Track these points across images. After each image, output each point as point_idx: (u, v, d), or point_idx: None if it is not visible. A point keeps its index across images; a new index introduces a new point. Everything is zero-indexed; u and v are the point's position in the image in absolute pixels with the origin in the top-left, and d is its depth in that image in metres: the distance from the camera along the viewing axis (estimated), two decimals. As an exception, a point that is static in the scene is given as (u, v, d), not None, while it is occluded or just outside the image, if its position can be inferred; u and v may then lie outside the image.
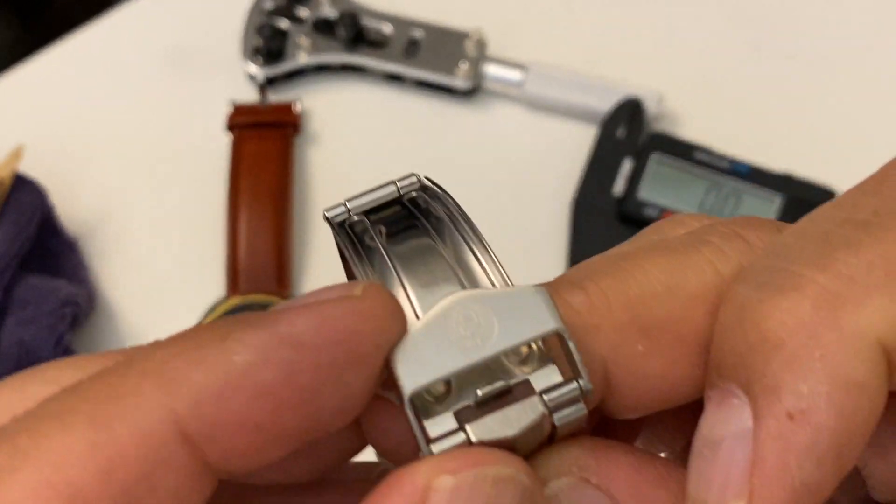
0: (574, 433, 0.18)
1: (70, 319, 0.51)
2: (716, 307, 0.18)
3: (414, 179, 0.20)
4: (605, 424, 0.20)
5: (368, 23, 0.61)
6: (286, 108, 0.60)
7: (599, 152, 0.57)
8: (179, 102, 0.62)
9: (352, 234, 0.20)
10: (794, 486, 0.16)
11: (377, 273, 0.19)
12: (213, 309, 0.56)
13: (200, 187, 0.59)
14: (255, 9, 0.62)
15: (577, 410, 0.18)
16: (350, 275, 0.20)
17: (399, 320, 0.17)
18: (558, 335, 0.18)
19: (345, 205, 0.20)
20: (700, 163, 0.56)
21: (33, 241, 0.53)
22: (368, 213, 0.20)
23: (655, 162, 0.56)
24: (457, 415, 0.18)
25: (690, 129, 0.60)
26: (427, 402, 0.18)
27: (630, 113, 0.58)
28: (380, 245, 0.19)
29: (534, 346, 0.19)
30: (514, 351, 0.18)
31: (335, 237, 0.20)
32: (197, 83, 0.62)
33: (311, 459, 0.20)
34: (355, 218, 0.20)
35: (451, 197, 0.20)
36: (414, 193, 0.20)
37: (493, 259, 0.19)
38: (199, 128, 0.61)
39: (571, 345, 0.18)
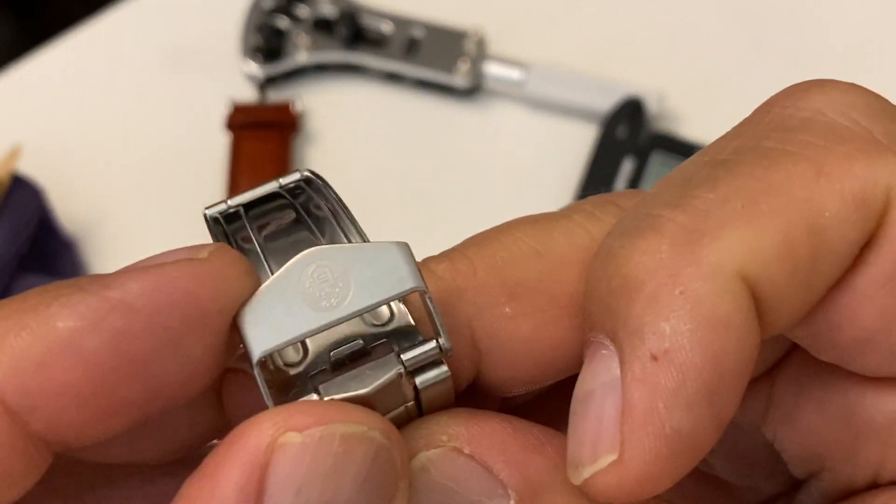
0: (444, 405, 0.18)
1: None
2: (585, 269, 0.18)
3: (297, 175, 0.19)
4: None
5: (368, 21, 0.61)
6: (285, 108, 0.59)
7: (600, 152, 0.57)
8: (178, 101, 0.62)
9: (227, 229, 0.19)
10: (665, 433, 0.15)
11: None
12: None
13: (199, 187, 0.59)
14: (255, 8, 0.61)
15: (440, 374, 0.17)
16: None
17: (249, 284, 0.16)
18: (420, 295, 0.17)
19: (225, 202, 0.19)
20: (701, 162, 0.56)
21: (31, 241, 0.52)
22: (250, 208, 0.19)
23: (656, 161, 0.56)
24: (311, 379, 0.17)
25: (692, 129, 0.60)
26: (280, 369, 0.17)
27: (631, 112, 0.57)
28: (254, 239, 0.18)
29: (394, 307, 0.18)
30: (374, 313, 0.17)
31: (210, 233, 0.19)
32: (195, 82, 0.62)
33: (165, 437, 0.18)
34: (232, 213, 0.19)
35: (332, 190, 0.19)
36: (297, 186, 0.19)
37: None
38: (198, 127, 0.61)
39: (430, 303, 0.17)
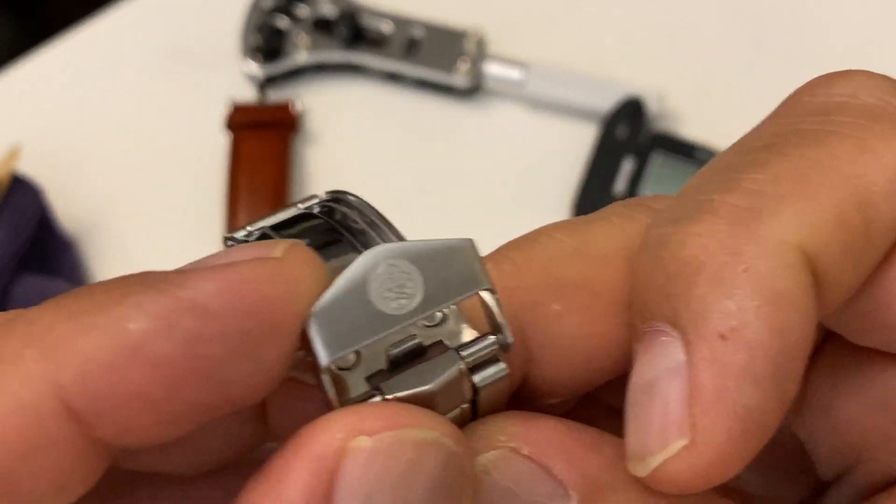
0: (497, 407, 0.17)
1: (67, 320, 0.51)
2: (627, 265, 0.18)
3: (316, 199, 0.18)
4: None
5: (368, 21, 0.61)
6: (285, 108, 0.59)
7: (600, 151, 0.57)
8: (177, 101, 0.62)
9: None
10: (736, 413, 0.15)
11: None
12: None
13: (199, 186, 0.59)
14: (254, 7, 0.61)
15: (499, 371, 0.17)
16: None
17: (322, 285, 0.15)
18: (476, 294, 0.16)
19: (245, 228, 0.17)
20: (701, 162, 0.56)
21: (31, 241, 0.52)
22: (278, 228, 0.18)
23: (656, 161, 0.56)
24: (369, 379, 0.16)
25: (692, 128, 0.59)
26: (335, 372, 0.16)
27: (631, 112, 0.57)
28: None
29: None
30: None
31: None
32: (195, 82, 0.62)
33: (203, 446, 0.18)
34: (263, 235, 0.18)
35: (369, 204, 0.18)
36: (329, 206, 0.18)
37: None
38: (198, 127, 0.60)
39: (496, 300, 0.16)
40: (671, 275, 0.16)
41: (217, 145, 0.59)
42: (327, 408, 0.16)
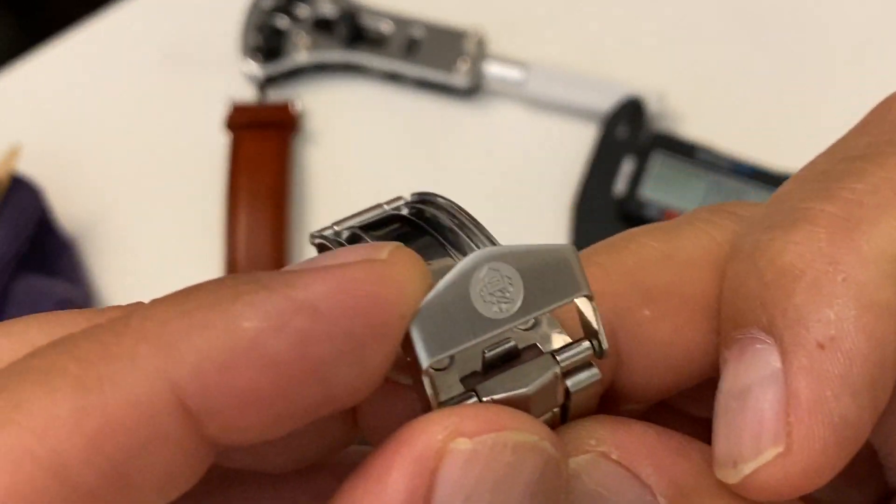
0: (587, 411, 0.17)
1: (67, 320, 0.51)
2: (716, 272, 0.18)
3: (402, 201, 0.18)
4: None
5: (368, 21, 0.61)
6: (285, 108, 0.59)
7: (600, 151, 0.57)
8: (177, 101, 0.62)
9: None
10: (833, 422, 0.15)
11: None
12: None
13: (198, 187, 0.59)
14: (254, 7, 0.61)
15: (592, 376, 0.17)
16: None
17: (426, 287, 0.15)
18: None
19: (332, 227, 0.18)
20: (702, 162, 0.56)
21: (31, 241, 0.52)
22: (367, 229, 0.18)
23: (657, 161, 0.56)
24: (464, 381, 0.16)
25: (692, 128, 0.59)
26: (432, 373, 0.16)
27: (631, 112, 0.57)
28: None
29: None
30: None
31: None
32: (195, 82, 0.62)
33: (293, 445, 0.18)
34: (353, 235, 0.18)
35: (459, 206, 0.18)
36: (418, 207, 0.18)
37: None
38: (198, 127, 0.60)
39: (593, 307, 0.16)
40: (768, 282, 0.16)
41: (217, 145, 0.59)
42: (421, 408, 0.16)
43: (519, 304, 0.16)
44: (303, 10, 0.61)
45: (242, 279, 0.15)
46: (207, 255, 0.57)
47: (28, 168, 0.55)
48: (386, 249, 0.15)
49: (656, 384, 0.18)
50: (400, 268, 0.15)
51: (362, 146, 0.61)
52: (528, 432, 0.15)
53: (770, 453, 0.16)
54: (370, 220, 0.18)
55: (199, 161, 0.60)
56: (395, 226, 0.18)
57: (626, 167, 0.56)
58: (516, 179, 0.59)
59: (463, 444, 0.14)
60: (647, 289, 0.18)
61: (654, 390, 0.18)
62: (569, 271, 0.16)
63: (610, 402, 0.19)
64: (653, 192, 0.56)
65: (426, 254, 0.17)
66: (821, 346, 0.15)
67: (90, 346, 0.14)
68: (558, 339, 0.17)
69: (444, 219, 0.18)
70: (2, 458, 0.13)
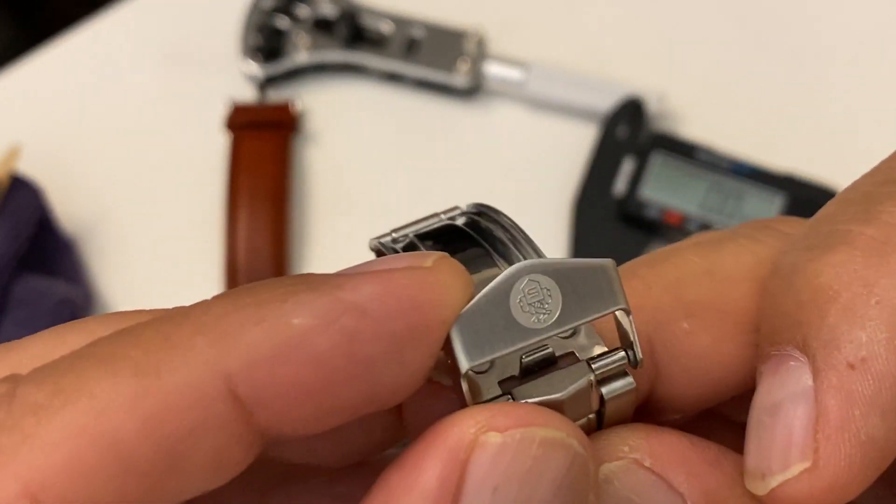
0: (622, 419, 0.18)
1: (67, 319, 0.51)
2: (756, 287, 0.18)
3: (459, 210, 0.19)
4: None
5: (368, 21, 0.61)
6: (285, 108, 0.59)
7: (600, 152, 0.57)
8: (177, 101, 0.62)
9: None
10: (860, 441, 0.16)
11: None
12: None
13: (198, 187, 0.59)
14: (254, 7, 0.61)
15: (627, 385, 0.17)
16: None
17: (468, 295, 0.16)
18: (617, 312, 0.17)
19: (391, 233, 0.19)
20: (702, 162, 0.56)
21: (31, 241, 0.52)
22: (423, 238, 0.19)
23: (657, 162, 0.56)
24: (502, 384, 0.17)
25: (692, 128, 0.59)
26: (472, 376, 0.17)
27: (631, 112, 0.57)
28: None
29: None
30: None
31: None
32: (195, 82, 0.62)
33: (344, 440, 0.19)
34: (409, 243, 0.19)
35: (512, 221, 0.19)
36: (473, 218, 0.19)
37: None
38: (198, 127, 0.60)
39: (630, 319, 0.17)
40: (804, 302, 0.17)
41: (217, 145, 0.59)
42: (460, 408, 0.16)
43: (557, 315, 0.16)
44: (303, 11, 0.61)
45: (294, 280, 0.16)
46: (207, 254, 0.57)
47: (28, 168, 0.55)
48: (431, 258, 0.16)
49: (694, 395, 0.19)
50: (443, 275, 0.16)
51: (362, 146, 0.61)
52: (556, 429, 0.16)
53: (797, 468, 0.16)
54: (426, 230, 0.19)
55: (199, 161, 0.60)
56: (450, 236, 0.19)
57: (626, 167, 0.56)
58: (516, 179, 0.59)
59: (493, 437, 0.15)
60: (687, 302, 0.18)
61: (693, 401, 0.19)
62: (607, 285, 0.17)
63: (649, 412, 0.19)
64: (653, 192, 0.56)
65: (476, 264, 0.18)
66: (851, 367, 0.16)
67: (151, 336, 0.15)
68: (595, 348, 0.18)
69: (497, 231, 0.19)
70: (62, 434, 0.14)
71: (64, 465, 0.14)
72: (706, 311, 0.18)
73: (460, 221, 0.19)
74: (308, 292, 0.15)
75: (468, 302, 0.16)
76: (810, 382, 0.16)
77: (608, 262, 0.17)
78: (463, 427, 0.15)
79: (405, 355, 0.16)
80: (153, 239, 0.59)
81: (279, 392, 0.15)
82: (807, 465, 0.16)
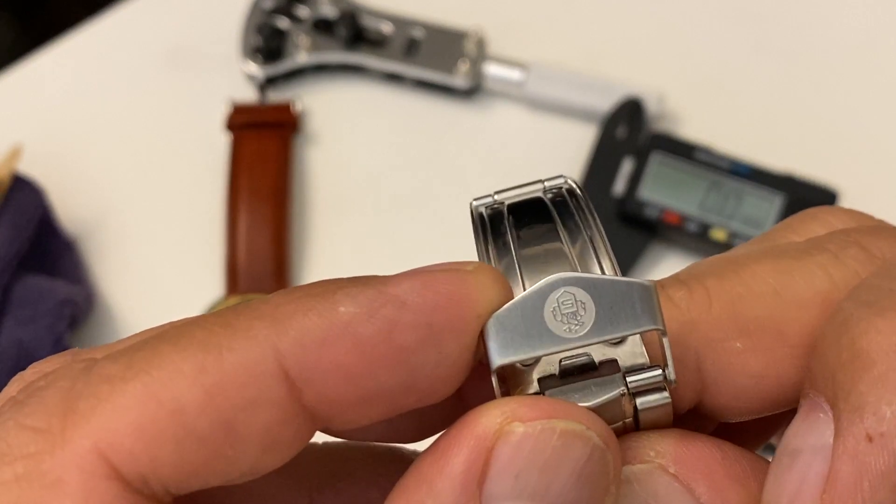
0: (660, 425, 0.18)
1: (69, 319, 0.51)
2: (825, 312, 0.18)
3: (561, 181, 0.20)
4: (729, 432, 0.20)
5: (368, 22, 0.61)
6: (285, 108, 0.59)
7: (600, 152, 0.57)
8: (178, 102, 0.62)
9: (489, 227, 0.20)
10: None
11: (502, 267, 0.19)
12: (211, 308, 0.55)
13: (199, 187, 0.59)
14: (255, 8, 0.61)
15: (661, 399, 0.18)
16: None
17: (504, 297, 0.18)
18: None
19: (491, 196, 0.20)
20: (701, 163, 0.56)
21: (31, 241, 0.52)
22: (514, 210, 0.20)
23: (656, 162, 0.56)
24: (540, 381, 0.18)
25: (691, 129, 0.60)
26: (515, 368, 0.18)
27: (630, 112, 0.58)
28: (512, 249, 0.19)
29: None
30: None
31: (472, 225, 0.20)
32: (195, 82, 0.62)
33: (410, 419, 0.20)
34: (495, 209, 0.20)
35: (590, 205, 0.20)
36: (559, 194, 0.20)
37: (614, 269, 0.19)
38: (198, 127, 0.61)
39: (665, 341, 0.17)
40: (843, 361, 0.17)
41: (217, 145, 0.59)
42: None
43: (588, 327, 0.17)
44: (303, 11, 0.62)
45: (346, 279, 0.18)
46: (208, 254, 0.57)
47: (29, 168, 0.55)
48: (471, 264, 0.18)
49: (743, 408, 0.19)
50: (480, 277, 0.17)
51: (362, 146, 0.61)
52: (576, 421, 0.17)
53: None
54: (520, 198, 0.20)
55: (200, 161, 0.60)
56: (536, 209, 0.20)
57: (626, 167, 0.56)
58: (516, 179, 0.59)
59: (517, 427, 0.16)
60: (745, 321, 0.18)
61: (742, 412, 0.19)
62: (645, 305, 0.17)
63: (697, 417, 0.19)
64: (652, 192, 0.56)
65: (546, 238, 0.19)
66: (869, 439, 0.16)
67: (216, 320, 0.17)
68: (637, 359, 0.18)
69: (577, 217, 0.20)
70: (132, 399, 0.16)
71: (132, 428, 0.16)
72: (762, 332, 0.18)
73: (549, 196, 0.20)
74: (355, 286, 0.17)
75: (504, 304, 0.17)
76: (831, 441, 0.16)
77: (649, 283, 0.18)
78: (490, 417, 0.17)
79: (442, 346, 0.17)
80: (154, 239, 0.59)
81: (326, 373, 0.17)
82: None
